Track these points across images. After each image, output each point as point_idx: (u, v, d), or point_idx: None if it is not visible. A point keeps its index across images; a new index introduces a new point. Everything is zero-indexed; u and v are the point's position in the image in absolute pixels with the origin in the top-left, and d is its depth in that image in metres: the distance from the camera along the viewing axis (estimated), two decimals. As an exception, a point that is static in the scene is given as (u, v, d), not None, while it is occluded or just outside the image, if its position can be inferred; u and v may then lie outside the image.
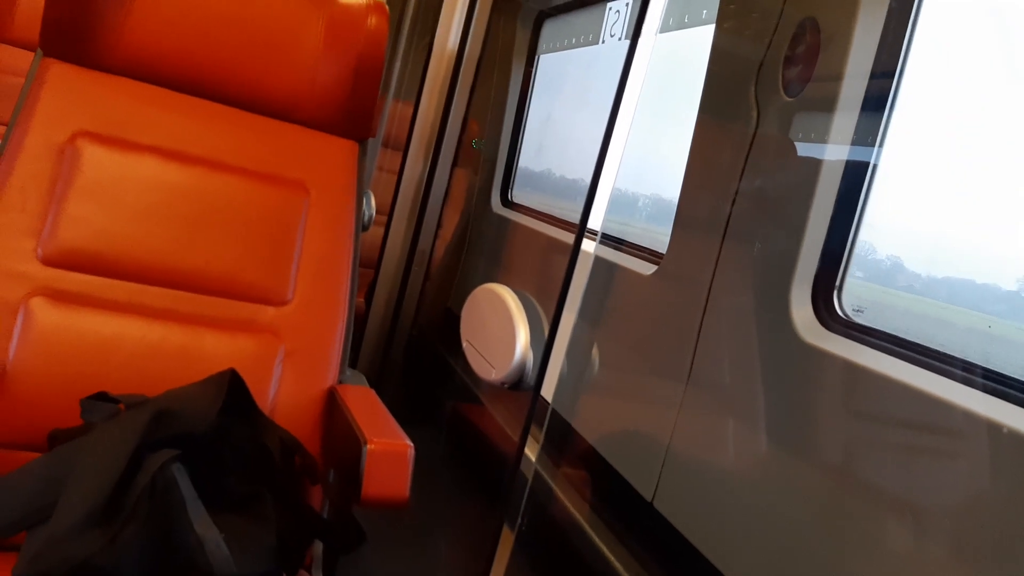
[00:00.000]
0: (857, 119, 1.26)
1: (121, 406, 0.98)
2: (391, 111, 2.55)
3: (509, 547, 1.44)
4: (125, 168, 1.23)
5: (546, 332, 1.25)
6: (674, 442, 1.43)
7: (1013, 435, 0.90)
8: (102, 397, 1.01)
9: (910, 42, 1.21)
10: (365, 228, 1.86)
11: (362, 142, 1.42)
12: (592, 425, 1.68)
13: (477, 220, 2.60)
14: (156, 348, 1.17)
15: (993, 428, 0.93)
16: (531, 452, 1.67)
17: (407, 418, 1.18)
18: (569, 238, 1.86)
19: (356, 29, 1.35)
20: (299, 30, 1.34)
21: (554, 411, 1.71)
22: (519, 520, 1.46)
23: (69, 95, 1.24)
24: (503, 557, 1.45)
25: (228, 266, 1.25)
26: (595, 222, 1.55)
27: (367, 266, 2.30)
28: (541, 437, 1.59)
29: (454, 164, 2.42)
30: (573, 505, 1.58)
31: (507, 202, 2.56)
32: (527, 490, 1.51)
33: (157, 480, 0.86)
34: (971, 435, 0.97)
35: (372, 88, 1.36)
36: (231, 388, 1.04)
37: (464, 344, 1.40)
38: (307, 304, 1.28)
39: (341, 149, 1.38)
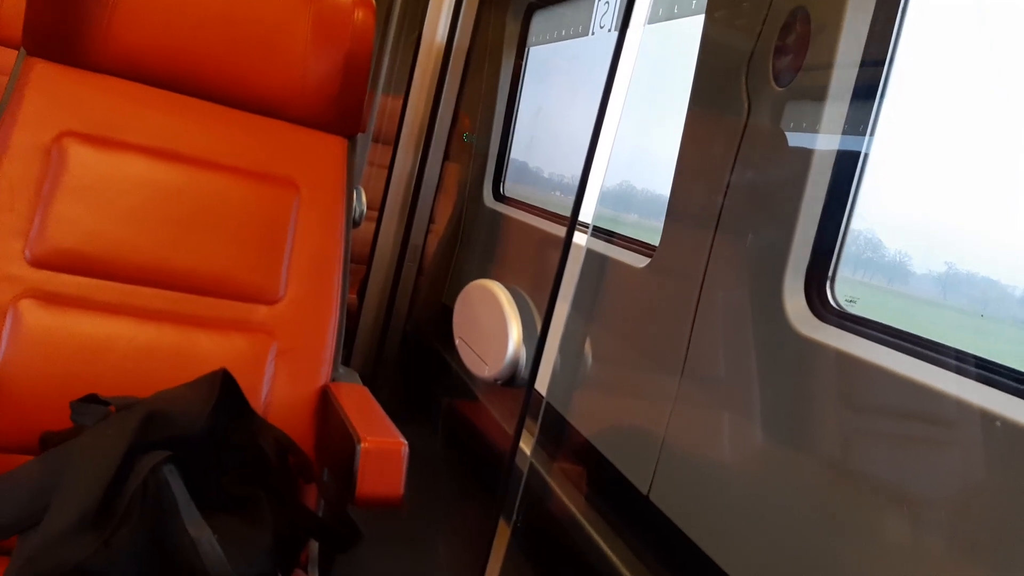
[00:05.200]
0: (848, 108, 1.26)
1: (112, 408, 0.98)
2: (381, 106, 2.54)
3: (505, 541, 1.44)
4: (112, 168, 1.22)
5: (539, 327, 1.24)
6: (669, 435, 1.43)
7: (1006, 424, 0.90)
8: (92, 399, 1.00)
9: (900, 28, 1.21)
10: (356, 224, 1.85)
11: (351, 138, 1.41)
12: (587, 419, 1.68)
13: (470, 214, 2.59)
14: (148, 349, 1.17)
15: (986, 416, 0.93)
16: (527, 446, 1.67)
17: (402, 415, 1.17)
18: (561, 231, 1.86)
19: (343, 24, 1.34)
20: (286, 26, 1.33)
21: (549, 405, 1.71)
22: (515, 515, 1.45)
23: (54, 94, 1.22)
24: (499, 552, 1.45)
25: (219, 265, 1.25)
26: (586, 215, 1.54)
27: (359, 262, 2.29)
28: (536, 431, 1.59)
29: (445, 158, 2.41)
30: (569, 499, 1.58)
31: (499, 196, 2.55)
32: (522, 484, 1.51)
33: (149, 482, 0.86)
34: (964, 424, 0.97)
35: (360, 83, 1.35)
36: (223, 388, 1.03)
37: (457, 341, 1.40)
38: (299, 302, 1.28)
39: (330, 145, 1.37)
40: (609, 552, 1.43)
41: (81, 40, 1.24)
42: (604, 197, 1.67)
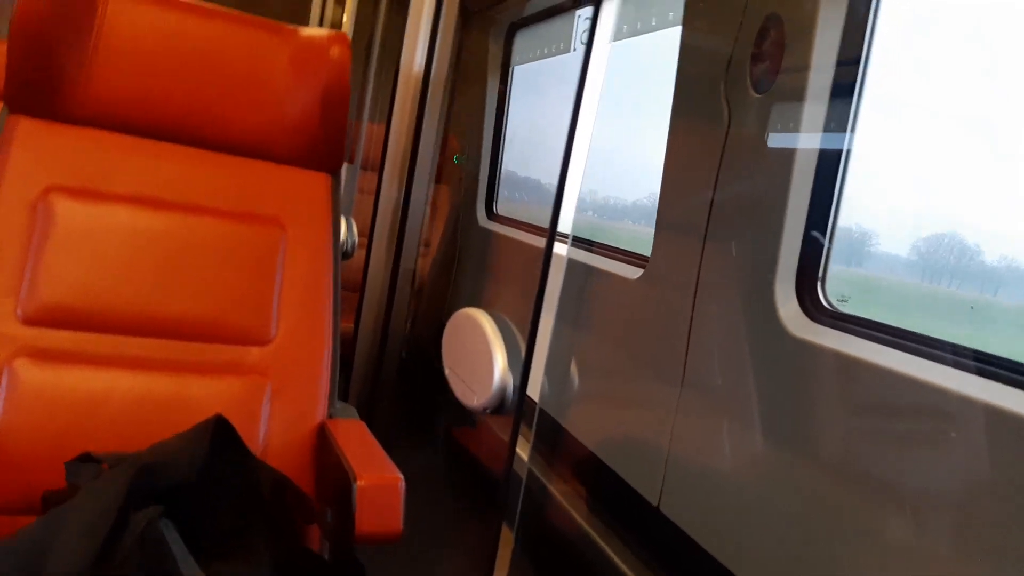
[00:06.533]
0: (827, 108, 1.26)
1: (104, 465, 0.98)
2: (368, 133, 2.55)
3: (509, 555, 1.43)
4: (99, 219, 1.23)
5: (523, 352, 1.25)
6: (674, 446, 1.43)
7: (1008, 415, 0.90)
8: (86, 458, 1.01)
9: (874, 25, 1.22)
10: (349, 255, 1.86)
11: (334, 173, 1.42)
12: (593, 433, 1.68)
13: (464, 235, 2.60)
14: (143, 399, 1.17)
15: (986, 410, 0.93)
16: (535, 466, 1.66)
17: (403, 440, 1.17)
18: (556, 247, 1.86)
19: (319, 61, 1.35)
20: (263, 66, 1.34)
21: (549, 421, 1.71)
22: (516, 524, 1.45)
23: (38, 150, 1.24)
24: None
25: (209, 310, 1.25)
26: (576, 229, 1.54)
27: (356, 290, 2.29)
28: (531, 437, 1.58)
29: (438, 181, 2.42)
30: (579, 515, 1.58)
31: (492, 215, 2.56)
32: (520, 494, 1.50)
33: (145, 537, 0.86)
34: (964, 418, 0.96)
35: (340, 119, 1.36)
36: (217, 433, 1.03)
37: (447, 372, 1.41)
38: (291, 341, 1.28)
39: (314, 182, 1.38)
40: (622, 565, 1.42)
41: (61, 95, 1.25)
42: (636, 211, 1.66)
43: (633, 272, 1.66)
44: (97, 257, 1.22)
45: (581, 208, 2.28)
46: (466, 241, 2.59)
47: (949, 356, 1.04)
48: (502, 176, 2.59)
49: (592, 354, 1.75)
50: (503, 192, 2.58)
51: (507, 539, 1.37)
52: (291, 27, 1.38)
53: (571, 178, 1.23)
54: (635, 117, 1.93)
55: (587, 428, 1.70)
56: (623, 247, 1.78)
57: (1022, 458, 0.89)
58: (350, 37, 2.42)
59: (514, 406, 1.24)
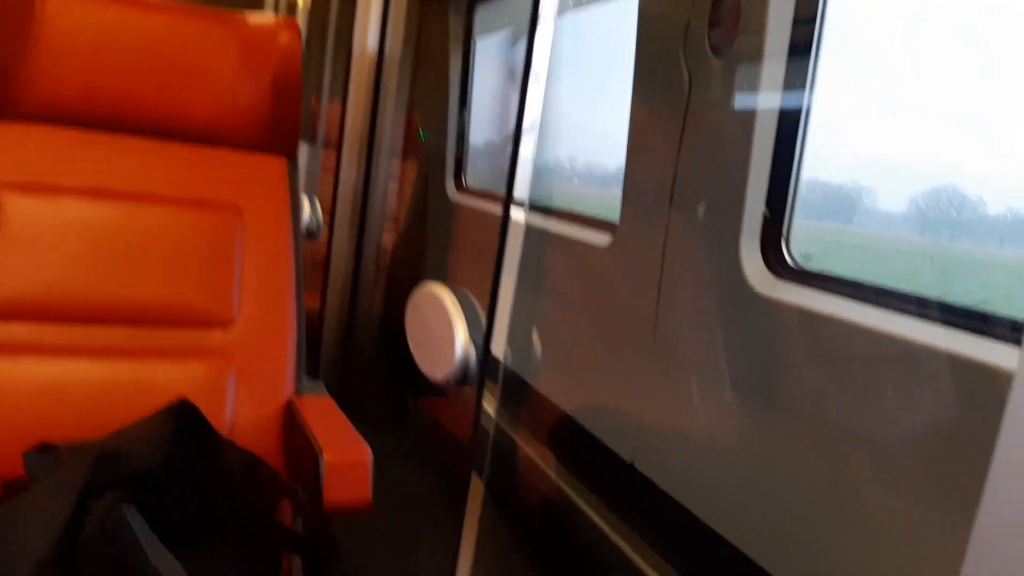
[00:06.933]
0: (785, 68, 1.27)
1: (64, 454, 0.97)
2: (328, 112, 2.53)
3: (479, 506, 1.44)
4: (51, 213, 1.21)
5: (484, 323, 1.26)
6: (648, 405, 1.45)
7: (972, 363, 0.91)
8: (43, 448, 1.00)
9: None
10: (315, 235, 1.85)
11: (291, 156, 1.40)
12: (568, 398, 1.69)
13: (434, 209, 2.60)
14: (105, 386, 1.16)
15: (949, 359, 0.94)
16: (509, 427, 1.68)
17: (376, 413, 1.17)
18: (520, 215, 1.86)
19: (269, 47, 1.33)
20: (211, 54, 1.32)
21: (528, 387, 1.72)
22: (485, 473, 1.46)
23: None
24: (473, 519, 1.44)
25: (168, 295, 1.24)
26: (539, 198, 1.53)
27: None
28: (497, 394, 1.59)
29: (405, 158, 2.40)
30: (553, 473, 1.60)
31: (462, 188, 2.55)
32: (489, 451, 1.52)
33: (107, 523, 0.86)
34: (921, 363, 0.98)
35: (293, 103, 1.35)
36: (181, 416, 1.03)
37: (411, 346, 1.42)
38: (253, 322, 1.28)
39: (270, 166, 1.37)
40: (599, 520, 1.44)
41: (6, 92, 1.23)
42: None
43: (603, 239, 1.67)
44: (51, 250, 1.20)
45: (565, 177, 2.27)
46: (435, 215, 2.59)
47: (905, 306, 1.05)
48: (483, 145, 2.57)
49: (564, 319, 1.76)
50: (484, 162, 2.57)
51: (477, 489, 1.38)
52: (239, 14, 1.36)
53: (524, 144, 1.24)
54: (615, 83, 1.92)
55: (561, 391, 1.72)
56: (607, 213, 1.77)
57: (977, 401, 0.90)
58: (308, 17, 2.39)
59: (476, 376, 1.25)
